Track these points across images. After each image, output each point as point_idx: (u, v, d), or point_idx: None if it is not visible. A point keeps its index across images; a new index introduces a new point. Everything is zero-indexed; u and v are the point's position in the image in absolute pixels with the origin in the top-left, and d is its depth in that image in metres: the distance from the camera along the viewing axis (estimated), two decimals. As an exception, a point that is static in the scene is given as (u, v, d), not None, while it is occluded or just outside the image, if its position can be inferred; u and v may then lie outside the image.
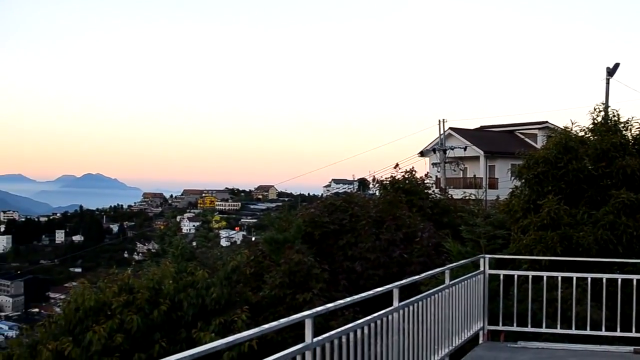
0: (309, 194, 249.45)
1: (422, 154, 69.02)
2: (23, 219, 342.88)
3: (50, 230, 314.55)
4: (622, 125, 17.78)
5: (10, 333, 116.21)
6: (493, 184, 62.90)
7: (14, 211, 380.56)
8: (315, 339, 7.97)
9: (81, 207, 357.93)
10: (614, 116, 17.95)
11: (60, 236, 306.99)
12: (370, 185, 28.95)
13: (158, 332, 14.03)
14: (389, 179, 25.51)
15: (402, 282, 10.99)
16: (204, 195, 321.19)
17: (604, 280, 14.30)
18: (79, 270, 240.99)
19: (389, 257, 19.92)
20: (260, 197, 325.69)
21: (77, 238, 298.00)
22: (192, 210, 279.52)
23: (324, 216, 21.36)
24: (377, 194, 26.11)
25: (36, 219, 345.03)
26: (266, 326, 7.37)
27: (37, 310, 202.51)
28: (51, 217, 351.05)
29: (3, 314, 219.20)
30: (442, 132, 62.86)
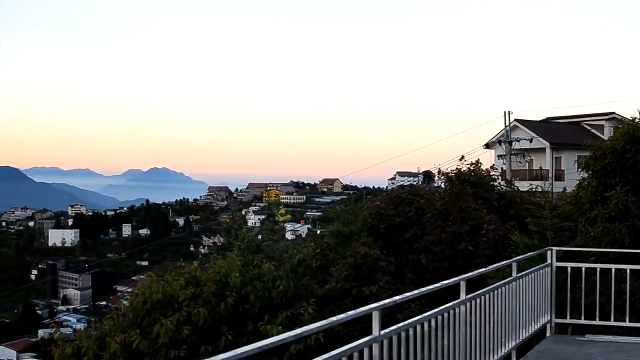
0: (373, 186, 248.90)
1: (488, 146, 68.60)
2: (90, 213, 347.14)
3: (117, 224, 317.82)
4: (692, 114, 17.48)
5: (78, 326, 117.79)
6: (559, 176, 62.27)
7: (81, 205, 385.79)
8: (382, 332, 7.97)
9: (147, 201, 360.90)
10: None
11: (127, 230, 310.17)
12: (436, 178, 28.80)
13: (224, 325, 14.10)
14: (455, 171, 25.35)
15: (469, 274, 10.94)
16: (269, 188, 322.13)
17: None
18: (145, 263, 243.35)
19: (455, 249, 19.82)
20: (325, 190, 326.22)
21: (143, 232, 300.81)
22: (257, 204, 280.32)
23: (389, 209, 21.31)
24: (443, 186, 25.95)
25: (103, 213, 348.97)
26: (333, 319, 7.37)
27: (104, 303, 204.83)
28: (118, 211, 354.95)
29: (71, 306, 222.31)
30: (507, 123, 62.42)
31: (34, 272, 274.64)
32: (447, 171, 25.79)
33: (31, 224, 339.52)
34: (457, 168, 25.53)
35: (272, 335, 9.08)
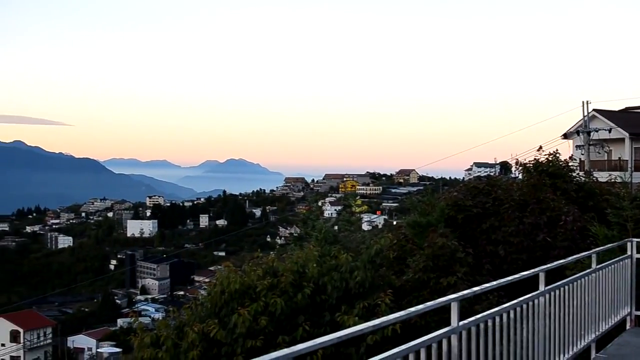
0: (450, 177, 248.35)
1: (566, 136, 67.80)
2: (168, 204, 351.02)
3: (195, 214, 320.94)
4: None
5: (157, 315, 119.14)
6: (639, 167, 61.40)
7: (159, 196, 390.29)
8: (461, 323, 7.95)
9: (224, 191, 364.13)
10: None
11: (204, 220, 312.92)
12: (513, 169, 28.64)
13: (302, 315, 14.14)
14: (532, 162, 25.16)
15: (548, 265, 10.86)
16: (345, 179, 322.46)
17: None
18: (222, 254, 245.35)
19: (533, 241, 19.68)
20: (401, 181, 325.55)
21: (220, 222, 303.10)
22: (333, 195, 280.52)
23: (467, 200, 21.24)
24: (520, 177, 25.78)
25: (181, 204, 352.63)
26: (411, 309, 7.37)
27: (182, 293, 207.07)
28: (195, 202, 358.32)
29: (150, 296, 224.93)
30: (586, 114, 61.67)
31: (113, 262, 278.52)
32: (524, 162, 25.61)
33: (110, 214, 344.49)
34: (534, 159, 25.34)
35: (349, 326, 9.12)
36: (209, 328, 13.73)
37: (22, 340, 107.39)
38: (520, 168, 25.60)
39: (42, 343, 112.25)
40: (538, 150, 26.19)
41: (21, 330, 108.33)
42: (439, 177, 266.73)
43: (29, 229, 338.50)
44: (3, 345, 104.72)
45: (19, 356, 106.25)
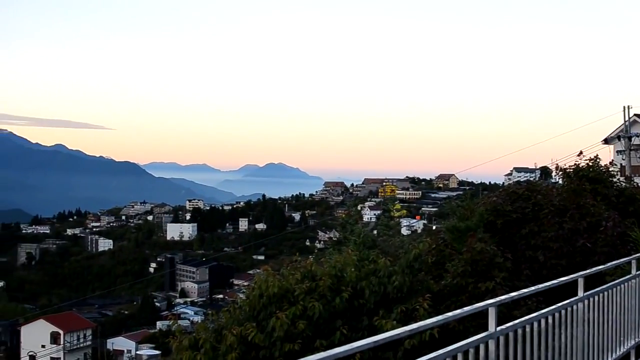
0: (489, 182, 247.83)
1: (606, 141, 67.31)
2: (208, 208, 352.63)
3: (234, 218, 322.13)
4: None
5: (196, 318, 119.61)
6: (681, 172, 60.82)
7: (199, 200, 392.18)
8: (498, 328, 7.94)
9: (264, 195, 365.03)
10: None
11: (243, 224, 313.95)
12: (553, 174, 28.44)
13: (340, 319, 14.15)
14: (573, 167, 25.02)
15: (587, 271, 10.81)
16: (384, 184, 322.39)
17: None
18: (261, 257, 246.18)
19: (572, 246, 19.55)
20: (440, 185, 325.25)
21: (260, 226, 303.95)
22: (372, 199, 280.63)
23: (506, 204, 21.16)
24: (560, 182, 25.65)
25: (220, 208, 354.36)
26: (449, 314, 7.37)
27: (221, 296, 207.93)
28: (235, 206, 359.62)
29: (189, 299, 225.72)
30: (627, 118, 61.20)
31: (153, 265, 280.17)
32: (564, 167, 25.48)
33: (150, 218, 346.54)
34: (575, 164, 25.20)
35: (387, 330, 9.12)
36: (247, 331, 13.77)
37: (62, 342, 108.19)
38: (560, 173, 25.47)
39: (82, 345, 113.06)
40: (578, 155, 26.02)
41: (61, 332, 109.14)
42: (479, 182, 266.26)
43: (69, 231, 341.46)
44: (44, 346, 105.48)
45: (59, 357, 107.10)
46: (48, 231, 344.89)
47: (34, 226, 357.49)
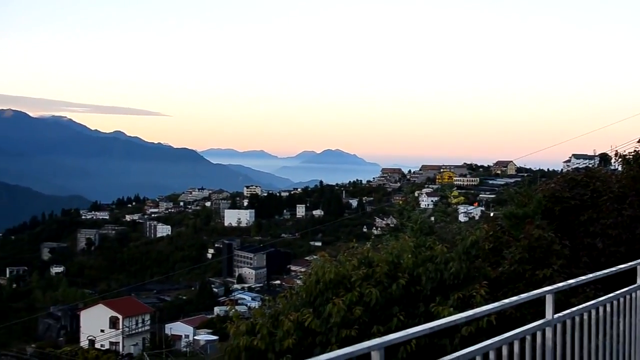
0: (548, 169, 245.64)
1: (668, 127, 66.57)
2: (265, 194, 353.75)
3: (291, 204, 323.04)
4: None
5: (253, 304, 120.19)
6: None
7: (256, 186, 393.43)
8: (556, 315, 7.89)
9: (321, 182, 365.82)
10: None
11: (301, 211, 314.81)
12: (612, 160, 28.14)
13: (396, 306, 14.12)
14: (632, 154, 24.73)
15: (646, 258, 10.69)
16: (442, 170, 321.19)
17: None
18: (319, 244, 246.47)
19: (632, 233, 19.36)
20: (498, 172, 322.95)
21: (317, 212, 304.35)
22: (430, 186, 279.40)
23: (564, 191, 21.00)
24: (620, 169, 25.36)
25: (278, 194, 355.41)
26: (506, 301, 7.35)
27: (278, 282, 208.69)
28: (292, 192, 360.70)
29: (246, 285, 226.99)
30: (689, 104, 60.45)
31: (211, 251, 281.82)
32: (624, 153, 25.18)
33: (208, 204, 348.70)
34: (635, 150, 24.90)
35: (444, 317, 9.10)
36: (304, 317, 13.80)
37: (121, 327, 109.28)
38: (620, 160, 25.18)
39: (140, 330, 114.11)
40: (639, 141, 25.72)
41: (120, 317, 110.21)
42: (537, 168, 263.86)
43: (128, 217, 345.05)
44: (103, 331, 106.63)
45: (118, 342, 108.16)
46: (107, 217, 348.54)
47: (93, 212, 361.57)
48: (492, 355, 6.70)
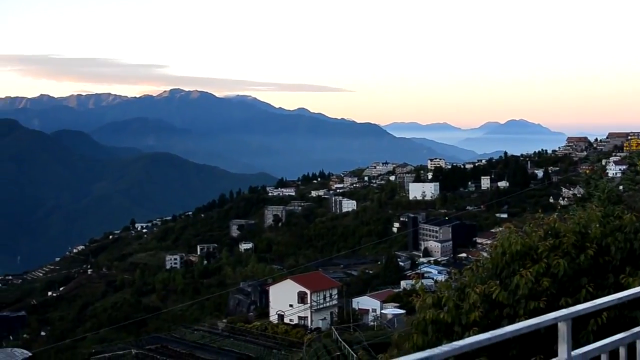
0: None
1: None
2: (449, 167, 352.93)
3: (476, 176, 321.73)
4: None
5: (439, 277, 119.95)
6: None
7: (440, 159, 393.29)
8: None
9: (505, 153, 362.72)
10: None
11: (485, 182, 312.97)
12: None
13: (584, 277, 13.88)
14: None
15: None
16: (630, 137, 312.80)
17: None
18: (504, 215, 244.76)
19: None
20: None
21: (502, 184, 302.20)
22: (617, 154, 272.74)
23: None
24: None
25: (462, 166, 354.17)
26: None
27: (464, 255, 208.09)
28: (476, 164, 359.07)
29: (432, 258, 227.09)
30: None
31: (396, 225, 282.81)
32: None
33: (392, 178, 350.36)
34: None
35: (634, 288, 8.88)
36: (491, 289, 13.71)
37: (309, 301, 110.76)
38: None
39: (327, 304, 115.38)
40: None
41: (308, 292, 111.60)
42: None
43: (314, 193, 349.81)
44: (291, 305, 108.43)
45: (306, 317, 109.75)
46: (293, 193, 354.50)
47: (279, 189, 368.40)
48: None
